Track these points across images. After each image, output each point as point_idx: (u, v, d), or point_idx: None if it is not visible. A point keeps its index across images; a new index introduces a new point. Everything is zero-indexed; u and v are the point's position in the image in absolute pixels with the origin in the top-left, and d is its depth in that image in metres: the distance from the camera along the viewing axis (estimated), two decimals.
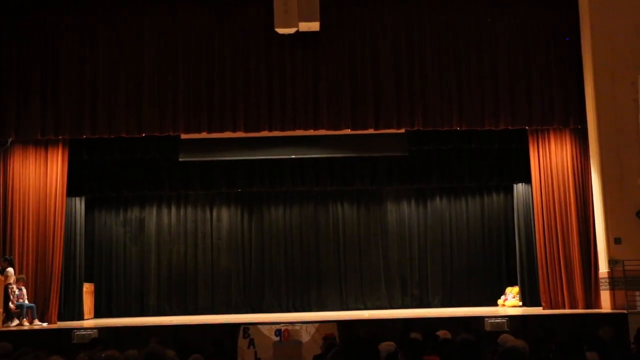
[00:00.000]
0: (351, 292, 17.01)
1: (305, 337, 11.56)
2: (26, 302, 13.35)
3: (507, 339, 6.46)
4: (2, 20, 13.84)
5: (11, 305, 13.00)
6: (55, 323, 13.72)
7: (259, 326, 11.83)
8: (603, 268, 13.40)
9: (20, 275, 13.50)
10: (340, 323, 11.85)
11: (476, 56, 13.96)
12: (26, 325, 13.10)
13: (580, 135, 14.32)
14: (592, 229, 13.92)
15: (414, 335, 7.39)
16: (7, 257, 13.46)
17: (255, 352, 11.60)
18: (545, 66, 14.01)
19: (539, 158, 14.61)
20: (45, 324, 13.37)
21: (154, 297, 16.87)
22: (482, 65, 13.95)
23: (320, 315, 14.13)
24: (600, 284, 13.50)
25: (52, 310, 13.86)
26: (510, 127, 14.06)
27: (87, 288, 15.59)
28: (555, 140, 14.55)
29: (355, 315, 14.03)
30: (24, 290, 13.41)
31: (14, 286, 13.17)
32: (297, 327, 11.76)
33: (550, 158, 14.54)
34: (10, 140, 13.99)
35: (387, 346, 6.00)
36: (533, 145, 14.64)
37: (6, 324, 12.85)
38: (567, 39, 14.05)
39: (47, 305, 13.82)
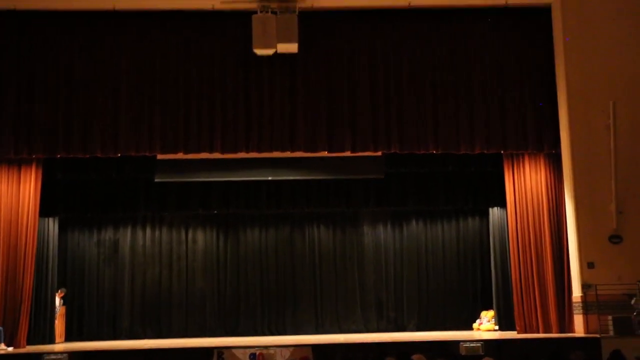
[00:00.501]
0: (327, 315, 16.93)
1: None
2: None
3: None
4: None
5: None
6: (24, 347, 13.46)
7: (233, 350, 11.73)
8: (576, 292, 13.46)
9: None
10: (315, 347, 11.77)
11: (451, 81, 14.07)
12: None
13: (554, 160, 14.44)
14: (565, 253, 14.00)
15: (389, 359, 7.37)
16: None
17: None
18: (519, 91, 14.14)
19: (513, 182, 14.71)
20: (10, 349, 13.09)
21: (127, 320, 16.63)
22: (457, 90, 14.05)
23: (295, 339, 14.04)
24: (574, 308, 13.56)
25: (21, 334, 13.58)
26: (485, 151, 14.15)
27: (59, 311, 15.34)
28: (530, 165, 14.67)
29: (330, 339, 13.94)
30: None
31: None
32: (272, 350, 11.68)
33: (525, 182, 14.64)
34: None
35: None
36: (508, 169, 14.74)
37: None
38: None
39: (15, 329, 13.54)
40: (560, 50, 14.01)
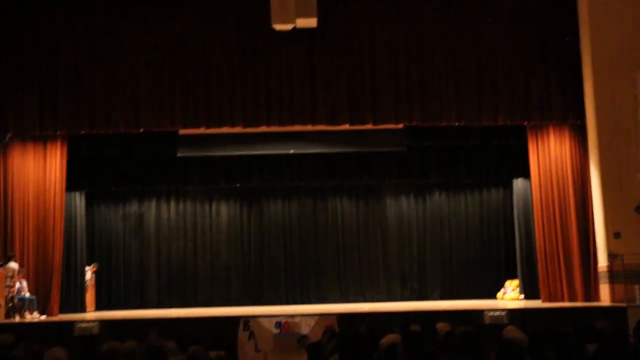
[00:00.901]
0: (350, 286, 17.05)
1: (305, 330, 11.60)
2: (27, 294, 13.40)
3: (509, 331, 6.49)
4: (2, 17, 13.81)
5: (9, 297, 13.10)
6: (57, 316, 13.76)
7: (259, 319, 11.87)
8: (602, 262, 13.45)
9: (20, 269, 13.55)
10: (340, 316, 11.89)
11: (475, 51, 13.97)
12: (27, 317, 13.15)
13: (579, 131, 14.34)
14: (590, 223, 13.96)
15: (413, 327, 7.43)
16: (9, 253, 13.49)
17: (256, 345, 11.64)
18: (544, 62, 14.02)
19: (537, 154, 14.62)
20: (43, 317, 13.40)
21: (154, 291, 16.92)
22: (480, 60, 13.96)
23: (320, 308, 14.18)
24: (600, 277, 13.55)
25: (53, 303, 13.91)
26: (508, 123, 14.07)
27: (90, 282, 15.64)
28: (554, 136, 14.57)
29: (355, 308, 14.07)
30: (25, 283, 13.47)
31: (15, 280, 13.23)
32: (297, 319, 11.81)
33: (549, 154, 14.55)
34: (9, 136, 14.00)
35: (392, 338, 6.03)
36: (532, 141, 14.65)
37: (10, 317, 12.93)
38: (567, 39, 14.03)
39: (48, 299, 13.86)
40: (585, 20, 13.84)
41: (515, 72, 13.96)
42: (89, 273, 15.56)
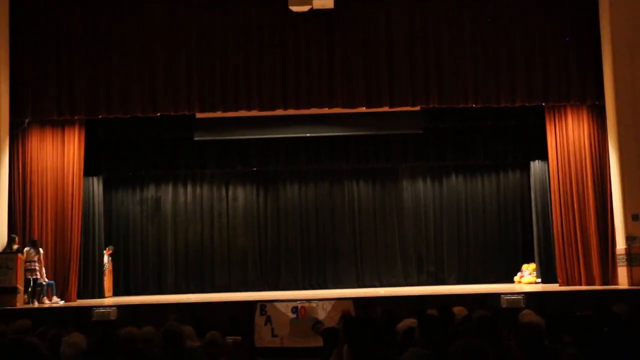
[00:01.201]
0: (367, 270, 17.04)
1: (321, 314, 11.62)
2: (45, 280, 13.53)
3: (526, 315, 6.46)
4: (19, 2, 13.85)
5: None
6: (75, 301, 13.89)
7: (276, 303, 11.90)
8: (620, 244, 13.35)
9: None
10: (357, 300, 11.90)
11: (492, 32, 13.86)
12: (46, 302, 13.29)
13: (597, 112, 14.20)
14: (609, 205, 13.85)
15: (430, 311, 7.41)
16: (31, 238, 13.59)
17: (272, 329, 11.68)
18: (562, 42, 13.87)
19: (555, 135, 14.50)
20: (62, 302, 13.53)
21: (171, 276, 16.99)
22: (498, 40, 13.84)
23: (337, 293, 14.20)
24: (618, 260, 13.46)
25: (71, 289, 14.02)
26: (526, 104, 13.96)
27: (107, 267, 15.74)
28: (572, 117, 14.43)
29: (371, 293, 14.09)
30: (43, 270, 13.59)
31: (34, 264, 13.34)
32: (314, 304, 11.83)
33: (567, 135, 14.42)
34: (27, 120, 14.07)
35: (408, 323, 6.01)
36: (550, 122, 14.52)
37: (29, 303, 13.08)
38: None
39: (66, 284, 13.98)
40: None
41: (533, 52, 13.82)
42: (105, 256, 15.65)
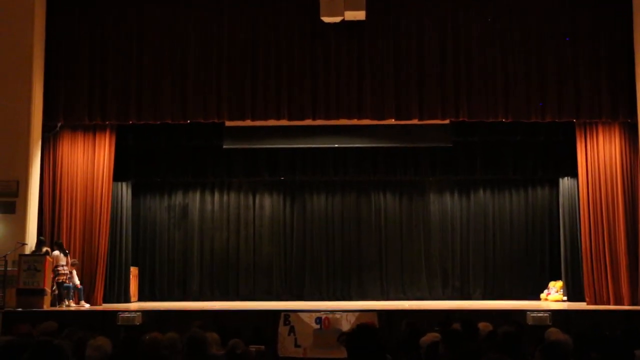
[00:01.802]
0: (392, 282, 16.97)
1: (345, 326, 11.55)
2: (76, 282, 13.65)
3: (552, 333, 6.38)
4: (53, 7, 14.09)
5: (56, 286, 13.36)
6: (101, 305, 14.00)
7: (300, 313, 11.88)
8: None
9: (74, 260, 13.80)
10: (381, 312, 11.85)
11: (523, 47, 13.78)
12: (73, 306, 13.42)
13: (629, 129, 14.03)
14: (639, 224, 13.64)
15: (454, 326, 7.36)
16: (57, 241, 13.76)
17: (295, 339, 11.66)
18: (594, 58, 13.75)
19: (586, 152, 14.34)
20: (87, 305, 13.65)
21: (196, 283, 17.06)
22: (529, 56, 13.75)
23: (361, 304, 14.15)
24: None
25: (97, 293, 14.13)
26: (557, 120, 13.84)
27: (132, 272, 15.86)
28: (603, 134, 14.27)
29: (395, 305, 14.01)
30: (74, 273, 13.73)
31: (65, 268, 13.48)
32: (338, 315, 11.79)
33: (597, 152, 14.26)
34: (59, 125, 14.27)
35: (432, 337, 5.98)
36: (580, 138, 14.37)
37: (57, 305, 13.22)
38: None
39: (92, 288, 14.10)
40: (639, 15, 13.49)
41: (565, 68, 13.72)
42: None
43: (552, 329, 6.71)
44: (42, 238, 13.51)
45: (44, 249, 13.27)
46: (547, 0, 13.94)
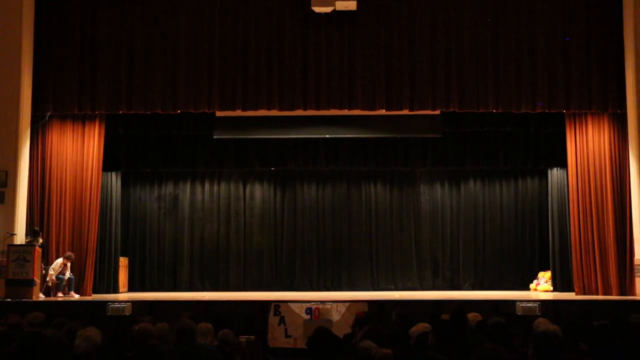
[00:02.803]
0: (382, 273, 17.01)
1: (335, 316, 11.61)
2: (68, 275, 13.64)
3: (541, 323, 6.41)
4: None
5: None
6: (90, 296, 13.97)
7: (290, 304, 11.90)
8: (639, 254, 13.23)
9: (69, 253, 13.78)
10: (371, 303, 11.87)
11: (514, 38, 13.77)
12: (60, 296, 13.39)
13: (619, 120, 14.06)
14: (628, 215, 13.72)
15: (444, 316, 7.39)
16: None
17: (286, 330, 11.69)
18: (584, 49, 13.76)
19: (575, 143, 14.38)
20: (76, 296, 13.63)
21: (186, 273, 17.04)
22: (519, 47, 13.75)
23: (351, 295, 14.18)
24: (636, 270, 13.32)
25: (87, 283, 14.08)
26: (547, 111, 13.87)
27: (122, 262, 15.81)
28: (593, 125, 14.30)
29: (386, 296, 14.05)
30: (68, 265, 13.71)
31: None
32: (328, 305, 11.82)
33: (587, 143, 14.30)
34: (48, 114, 14.18)
35: (422, 327, 6.00)
36: (570, 129, 14.40)
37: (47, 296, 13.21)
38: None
39: (82, 278, 14.05)
40: (629, 6, 13.53)
41: (555, 59, 13.72)
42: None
43: (541, 319, 6.75)
44: (36, 229, 13.45)
45: (40, 240, 13.22)
46: None
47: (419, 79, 13.68)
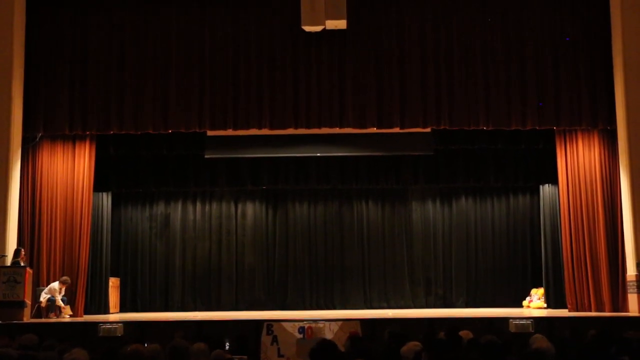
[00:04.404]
0: (375, 291, 16.96)
1: (328, 335, 11.51)
2: (60, 297, 13.58)
3: (536, 340, 6.39)
4: (33, 16, 13.99)
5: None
6: (82, 316, 13.87)
7: (283, 323, 11.83)
8: (631, 271, 13.23)
9: (65, 278, 13.71)
10: (364, 321, 11.83)
11: (504, 55, 13.86)
12: (53, 318, 13.29)
13: (609, 136, 14.15)
14: (620, 231, 13.75)
15: (438, 335, 7.36)
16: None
17: (279, 349, 11.60)
18: (573, 66, 13.86)
19: (566, 159, 14.44)
20: (68, 317, 13.54)
21: (178, 293, 16.93)
22: (509, 64, 13.85)
23: (344, 314, 14.13)
24: (628, 287, 13.32)
25: (78, 304, 14.00)
26: (537, 128, 13.94)
27: (113, 282, 15.68)
28: (583, 141, 14.39)
29: (379, 314, 14.00)
30: (63, 290, 13.68)
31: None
32: (321, 324, 11.75)
33: (577, 159, 14.37)
34: (39, 135, 14.14)
35: (412, 346, 5.97)
36: (560, 146, 14.48)
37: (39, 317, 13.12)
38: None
39: (73, 299, 13.97)
40: (617, 24, 13.65)
41: (545, 76, 13.82)
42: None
43: (537, 336, 6.72)
44: (18, 248, 13.35)
45: (21, 259, 13.12)
46: (527, 9, 14.04)
47: (410, 97, 13.73)
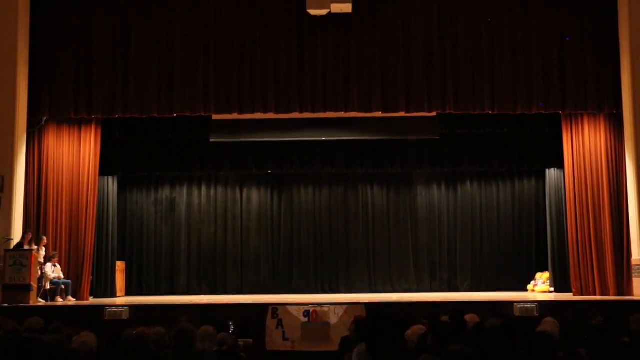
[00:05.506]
0: (380, 275, 17.01)
1: (333, 319, 11.58)
2: (62, 278, 13.61)
3: (546, 323, 6.39)
4: (37, 2, 13.95)
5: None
6: (88, 300, 13.94)
7: (288, 307, 11.86)
8: (636, 255, 13.23)
9: (54, 252, 13.75)
10: (369, 305, 11.85)
11: (509, 39, 13.79)
12: (59, 301, 13.36)
13: (615, 121, 14.09)
14: (625, 215, 13.73)
15: (442, 318, 7.38)
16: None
17: (284, 332, 11.65)
18: (580, 49, 13.79)
19: (572, 143, 14.40)
20: (73, 300, 13.61)
21: (184, 277, 17.01)
22: (515, 48, 13.77)
23: (349, 297, 14.16)
24: (633, 271, 13.33)
25: (84, 288, 14.07)
26: (543, 112, 13.88)
27: (119, 266, 15.75)
28: (589, 125, 14.34)
29: (383, 298, 14.04)
30: (58, 267, 13.68)
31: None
32: (326, 308, 11.78)
33: (583, 143, 14.32)
34: (44, 119, 14.16)
35: (417, 330, 5.98)
36: (566, 130, 14.43)
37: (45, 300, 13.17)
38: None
39: (79, 283, 14.03)
40: (624, 7, 13.55)
41: (551, 60, 13.74)
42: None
43: (548, 319, 6.69)
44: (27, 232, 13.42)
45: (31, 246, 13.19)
46: None
47: (415, 81, 13.68)
